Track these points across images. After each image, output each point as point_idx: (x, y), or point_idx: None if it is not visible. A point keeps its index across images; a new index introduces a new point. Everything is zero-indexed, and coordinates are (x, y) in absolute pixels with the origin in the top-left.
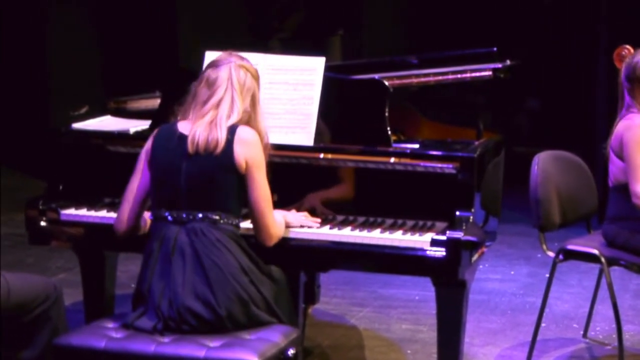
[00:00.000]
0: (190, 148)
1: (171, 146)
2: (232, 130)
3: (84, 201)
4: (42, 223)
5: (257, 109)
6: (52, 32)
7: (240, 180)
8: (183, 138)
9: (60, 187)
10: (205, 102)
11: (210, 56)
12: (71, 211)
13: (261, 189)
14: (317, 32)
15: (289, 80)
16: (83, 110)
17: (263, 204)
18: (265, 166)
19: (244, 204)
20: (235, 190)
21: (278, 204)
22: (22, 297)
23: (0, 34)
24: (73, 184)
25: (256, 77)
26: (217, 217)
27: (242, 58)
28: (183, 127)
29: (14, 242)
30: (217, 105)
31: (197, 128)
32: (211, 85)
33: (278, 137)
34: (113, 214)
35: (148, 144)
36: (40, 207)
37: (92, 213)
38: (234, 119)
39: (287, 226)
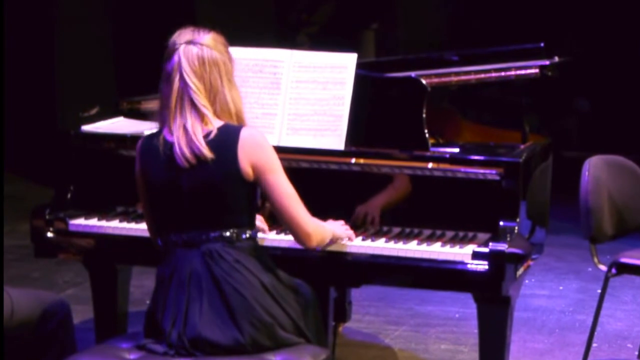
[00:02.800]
0: (180, 162)
1: (161, 160)
2: (233, 133)
3: (95, 210)
4: (49, 234)
5: (232, 84)
6: (60, 27)
7: (250, 188)
8: (171, 149)
9: (69, 195)
10: (168, 101)
11: (232, 52)
12: (80, 221)
13: (282, 190)
14: (348, 26)
15: (317, 78)
16: (93, 111)
17: (288, 203)
18: (280, 165)
19: (256, 211)
20: (246, 201)
21: None
22: (27, 314)
23: (5, 28)
24: (82, 191)
25: (218, 46)
26: (231, 235)
27: (194, 31)
28: (167, 135)
29: (18, 255)
30: (181, 102)
31: (177, 138)
32: (167, 79)
33: (306, 141)
34: (126, 224)
35: (137, 163)
36: (47, 216)
37: (104, 223)
38: (210, 120)
39: (336, 239)
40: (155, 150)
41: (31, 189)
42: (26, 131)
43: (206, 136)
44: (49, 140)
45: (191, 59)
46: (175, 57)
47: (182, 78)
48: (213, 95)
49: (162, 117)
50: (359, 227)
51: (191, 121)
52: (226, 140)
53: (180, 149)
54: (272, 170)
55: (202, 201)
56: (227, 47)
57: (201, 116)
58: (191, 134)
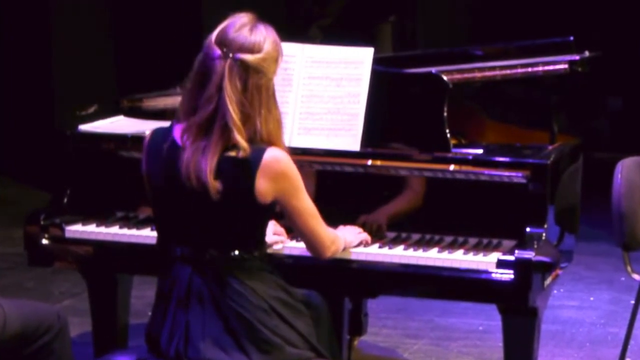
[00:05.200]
0: (184, 180)
1: (166, 164)
2: (256, 155)
3: (93, 215)
4: (44, 241)
5: (270, 111)
6: (56, 20)
7: (263, 210)
8: (178, 156)
9: (65, 199)
10: (197, 111)
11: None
12: (78, 227)
13: (307, 214)
14: (364, 19)
15: (331, 74)
16: (92, 109)
17: (312, 224)
18: (302, 185)
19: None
20: (258, 223)
21: None
22: (21, 327)
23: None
24: (80, 195)
25: (269, 65)
26: (237, 256)
27: (251, 32)
28: (178, 136)
29: (11, 263)
30: (211, 124)
31: (187, 158)
32: (203, 79)
33: (319, 141)
34: (126, 231)
35: (143, 161)
36: (42, 222)
37: (102, 229)
38: (241, 142)
39: (349, 246)
40: (162, 150)
41: (25, 192)
42: (20, 131)
43: (229, 149)
44: (44, 141)
45: (234, 82)
46: (219, 65)
47: (221, 100)
48: (245, 120)
49: (184, 114)
50: (376, 234)
51: (213, 148)
52: (246, 161)
53: (188, 173)
54: (296, 196)
55: (208, 219)
56: (279, 59)
57: (228, 137)
58: (205, 167)
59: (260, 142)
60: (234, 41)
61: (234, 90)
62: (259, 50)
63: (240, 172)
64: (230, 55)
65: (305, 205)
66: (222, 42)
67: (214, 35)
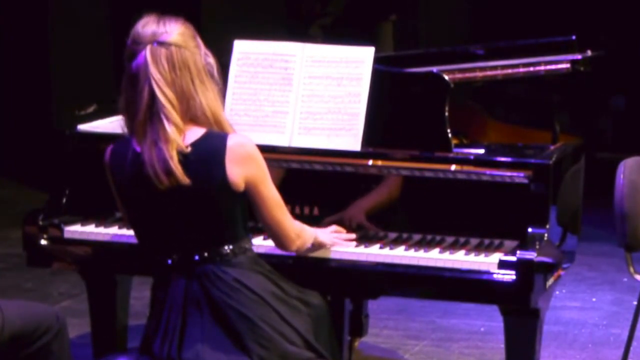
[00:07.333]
0: (155, 183)
1: (133, 176)
2: (218, 143)
3: (92, 216)
4: (43, 241)
5: (205, 85)
6: (55, 19)
7: (241, 198)
8: (143, 165)
9: (64, 199)
10: (137, 110)
11: (239, 46)
12: (76, 227)
13: (273, 201)
14: (365, 17)
15: (332, 74)
16: (91, 109)
17: (278, 212)
18: (268, 171)
19: (248, 218)
20: (238, 212)
21: (319, 219)
22: (19, 328)
23: None
24: (79, 195)
25: (188, 41)
26: (227, 252)
27: (159, 22)
28: (137, 147)
29: (10, 264)
30: (150, 115)
31: (148, 158)
32: (133, 82)
33: (319, 141)
34: (125, 231)
35: (110, 178)
36: (40, 222)
37: (102, 230)
38: (186, 134)
39: (321, 246)
40: (126, 163)
41: (24, 193)
42: (18, 131)
43: (186, 147)
44: (43, 141)
45: (160, 64)
46: (141, 59)
47: (150, 88)
48: (185, 102)
49: (130, 126)
50: (376, 234)
51: (164, 138)
52: (211, 152)
53: (154, 170)
54: (263, 181)
55: (190, 220)
56: (197, 38)
57: (177, 130)
58: (166, 155)
59: (207, 122)
60: (144, 33)
61: (162, 71)
62: (171, 31)
63: (208, 164)
64: (149, 43)
65: (272, 193)
66: (135, 40)
67: (127, 41)
